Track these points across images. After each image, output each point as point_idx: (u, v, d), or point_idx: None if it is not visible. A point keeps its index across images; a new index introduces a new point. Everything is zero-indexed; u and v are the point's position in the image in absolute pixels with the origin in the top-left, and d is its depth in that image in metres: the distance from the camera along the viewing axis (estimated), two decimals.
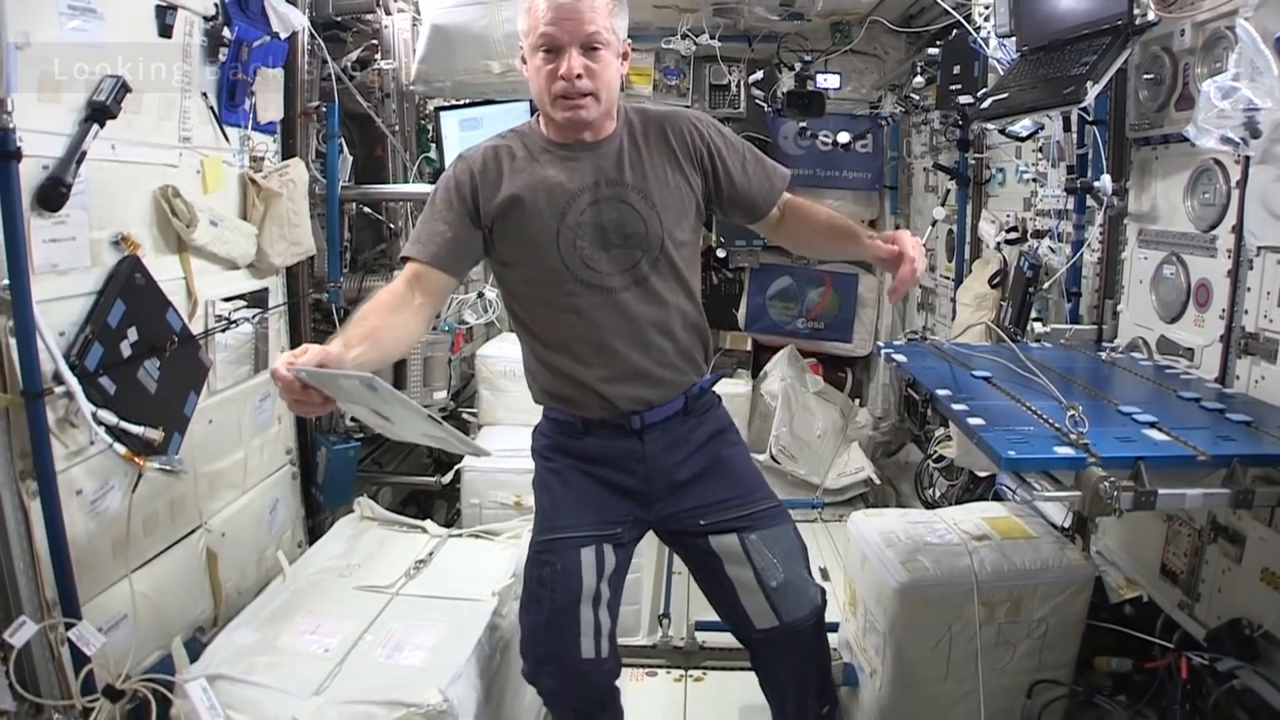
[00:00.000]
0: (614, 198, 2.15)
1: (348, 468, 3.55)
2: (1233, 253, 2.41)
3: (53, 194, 2.06)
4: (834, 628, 3.06)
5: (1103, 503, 1.77)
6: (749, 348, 5.90)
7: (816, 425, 5.24)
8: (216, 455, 2.89)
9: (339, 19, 3.63)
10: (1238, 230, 2.37)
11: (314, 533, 3.54)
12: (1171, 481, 1.86)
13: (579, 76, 2.02)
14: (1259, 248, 2.30)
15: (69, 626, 2.10)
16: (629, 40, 2.17)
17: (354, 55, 3.78)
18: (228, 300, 2.96)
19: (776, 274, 5.92)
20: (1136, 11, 2.56)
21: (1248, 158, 2.28)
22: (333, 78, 3.52)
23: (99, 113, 2.16)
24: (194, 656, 2.38)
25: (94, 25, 2.19)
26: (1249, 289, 2.36)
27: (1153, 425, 2.01)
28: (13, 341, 1.98)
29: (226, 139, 2.88)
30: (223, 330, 2.86)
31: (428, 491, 4.35)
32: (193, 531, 2.76)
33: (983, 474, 3.83)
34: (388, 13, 3.75)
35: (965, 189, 4.51)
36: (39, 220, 2.07)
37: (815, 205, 2.43)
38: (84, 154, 2.13)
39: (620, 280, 2.15)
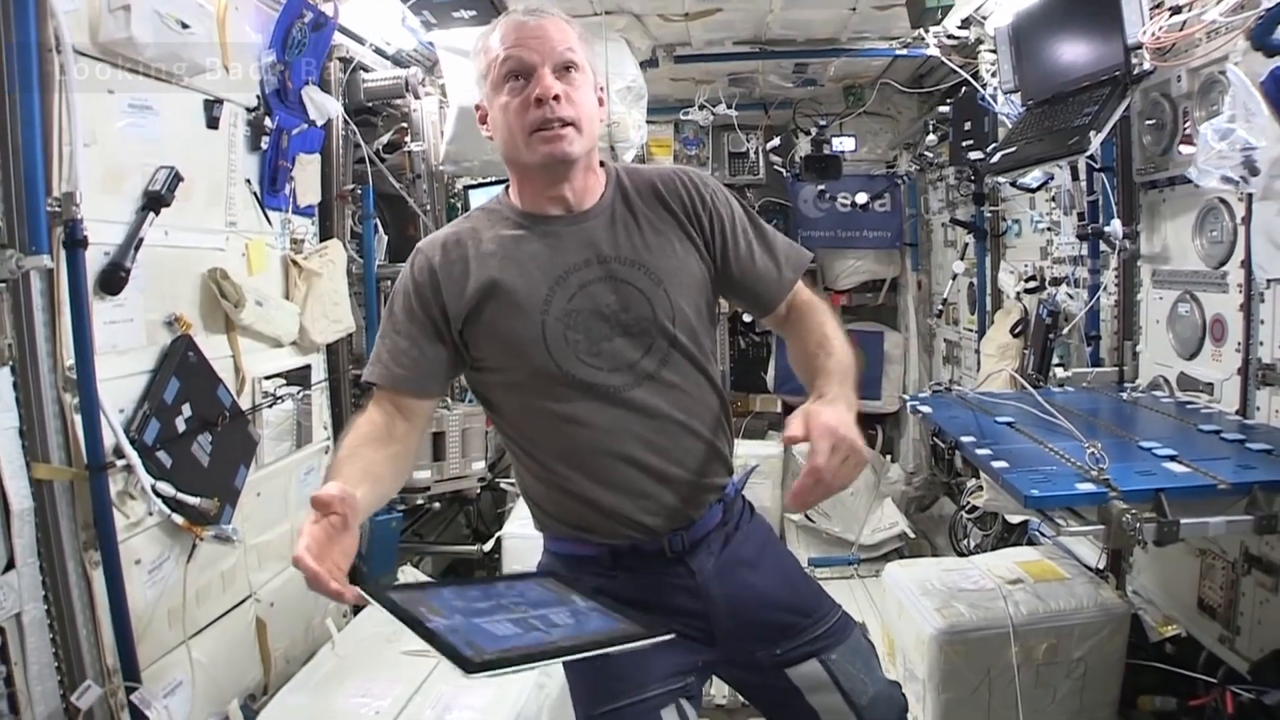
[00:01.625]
0: (610, 276, 1.77)
1: (391, 538, 3.62)
2: (1244, 287, 2.49)
3: (113, 279, 2.20)
4: None
5: (1126, 534, 1.83)
6: (779, 409, 6.00)
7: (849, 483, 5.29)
8: (264, 527, 2.97)
9: (370, 104, 3.79)
10: (1247, 265, 2.46)
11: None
12: (1194, 511, 1.91)
13: (556, 98, 1.67)
14: (1268, 280, 2.38)
15: (130, 690, 2.18)
16: (601, 87, 1.84)
17: (384, 138, 3.94)
18: (270, 378, 3.08)
19: None
20: (1134, 61, 2.67)
21: (1250, 195, 2.36)
22: (366, 160, 3.68)
23: (155, 201, 2.32)
24: None
25: (150, 121, 2.37)
26: (1262, 321, 2.44)
27: (1173, 458, 2.08)
28: (77, 418, 2.10)
29: (269, 222, 3.03)
30: (269, 406, 2.97)
31: (469, 560, 4.39)
32: (243, 601, 2.84)
33: (1015, 520, 3.87)
34: (417, 97, 3.92)
35: (983, 242, 4.62)
36: (100, 303, 2.21)
37: (816, 323, 1.88)
38: (141, 240, 2.28)
39: (628, 376, 1.76)
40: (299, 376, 3.25)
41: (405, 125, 4.02)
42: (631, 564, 1.78)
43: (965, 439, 2.36)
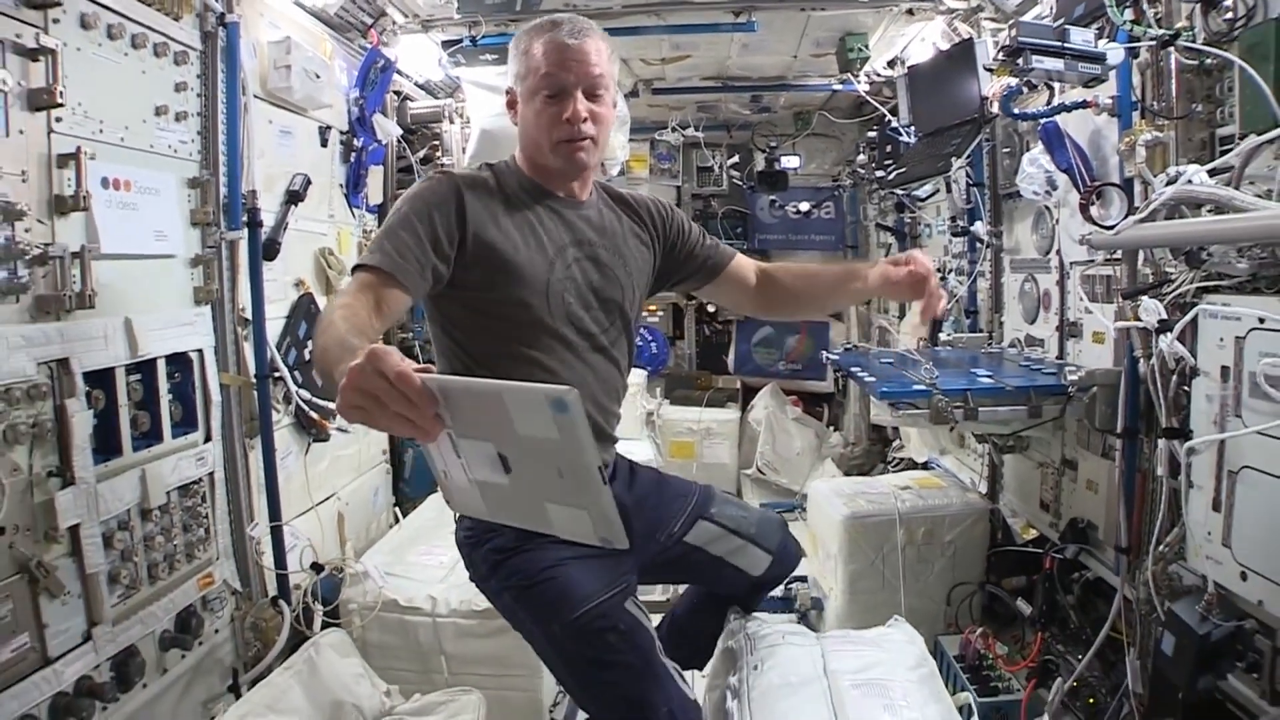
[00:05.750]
0: (594, 259, 2.08)
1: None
2: (1058, 268, 3.43)
3: (271, 249, 3.13)
4: (803, 579, 4.05)
5: (941, 415, 2.81)
6: (738, 386, 6.93)
7: (795, 445, 6.25)
8: (342, 445, 3.87)
9: (413, 127, 4.73)
10: (1060, 253, 3.40)
11: None
12: (991, 404, 2.90)
13: (585, 120, 1.95)
14: (1071, 263, 3.30)
15: (275, 530, 3.11)
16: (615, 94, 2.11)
17: (421, 153, 4.86)
18: None
19: (759, 325, 6.97)
20: (987, 108, 3.66)
21: (1057, 203, 3.34)
22: (414, 170, 4.60)
23: (294, 197, 3.27)
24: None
25: (290, 142, 3.35)
26: (1069, 292, 3.36)
27: (988, 376, 3.06)
28: (246, 345, 3.02)
29: (352, 216, 3.99)
30: None
31: None
32: (329, 497, 3.73)
33: (920, 460, 4.86)
34: (451, 122, 4.83)
35: (903, 242, 5.59)
36: None
37: (797, 264, 2.49)
38: (286, 225, 3.23)
39: (593, 341, 2.07)
40: None
41: (437, 143, 4.91)
42: None
43: (854, 369, 3.33)
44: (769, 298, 2.39)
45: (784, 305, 2.43)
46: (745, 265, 2.39)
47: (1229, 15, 2.29)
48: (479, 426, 1.29)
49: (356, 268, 1.81)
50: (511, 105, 2.08)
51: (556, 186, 2.09)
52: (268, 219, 3.12)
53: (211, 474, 2.88)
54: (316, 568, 3.16)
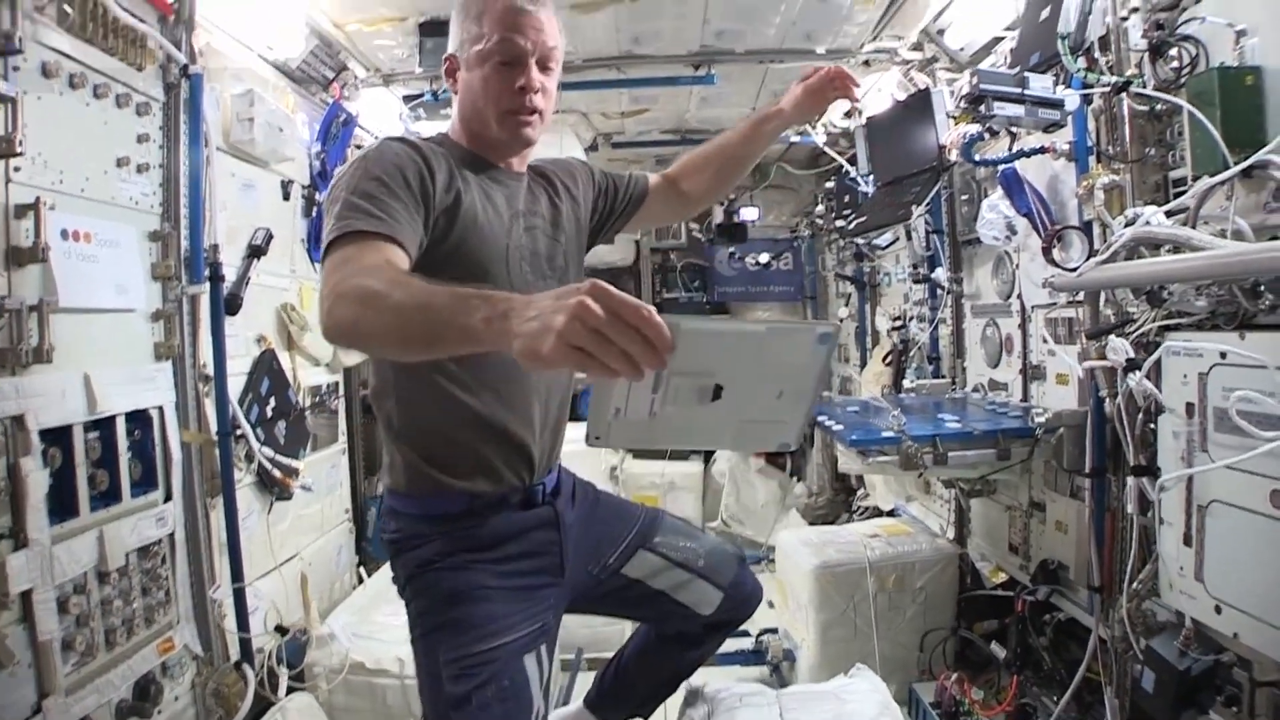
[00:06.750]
0: (537, 229, 2.00)
1: None
2: (1020, 312, 3.49)
3: (233, 304, 3.08)
4: (774, 630, 4.04)
5: (911, 460, 2.82)
6: None
7: (759, 496, 6.27)
8: (304, 504, 3.79)
9: None
10: (1021, 297, 3.46)
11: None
12: (960, 448, 2.92)
13: (537, 91, 1.87)
14: (1032, 306, 3.36)
15: (238, 592, 3.02)
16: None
17: None
18: (313, 389, 3.95)
19: None
20: (945, 156, 3.72)
21: (1017, 248, 3.40)
22: None
23: (256, 251, 3.23)
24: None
25: (253, 195, 3.32)
26: (1031, 335, 3.42)
27: (955, 421, 3.08)
28: (207, 401, 2.96)
29: (315, 270, 3.93)
30: (315, 408, 3.86)
31: None
32: (292, 558, 3.66)
33: (886, 508, 4.87)
34: None
35: (863, 292, 5.67)
36: None
37: (703, 145, 2.39)
38: (248, 279, 3.18)
39: None
40: (329, 390, 4.14)
41: None
42: (496, 511, 1.92)
43: (820, 417, 3.34)
44: (687, 191, 2.39)
45: (706, 188, 2.42)
46: (657, 181, 2.39)
47: (1175, 64, 2.37)
48: (705, 361, 1.20)
49: (339, 239, 1.57)
50: (450, 73, 1.97)
51: (496, 159, 1.98)
52: (229, 273, 3.08)
53: (172, 535, 2.80)
54: (281, 630, 3.08)
